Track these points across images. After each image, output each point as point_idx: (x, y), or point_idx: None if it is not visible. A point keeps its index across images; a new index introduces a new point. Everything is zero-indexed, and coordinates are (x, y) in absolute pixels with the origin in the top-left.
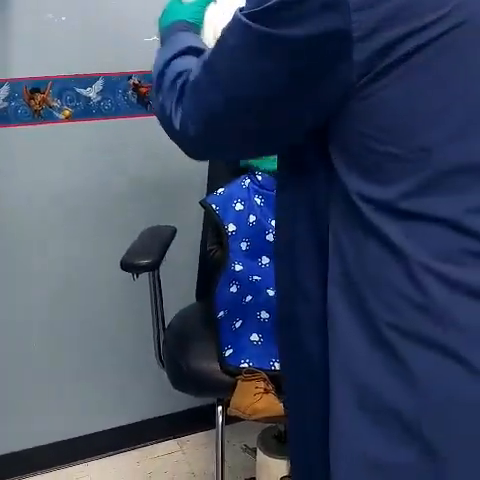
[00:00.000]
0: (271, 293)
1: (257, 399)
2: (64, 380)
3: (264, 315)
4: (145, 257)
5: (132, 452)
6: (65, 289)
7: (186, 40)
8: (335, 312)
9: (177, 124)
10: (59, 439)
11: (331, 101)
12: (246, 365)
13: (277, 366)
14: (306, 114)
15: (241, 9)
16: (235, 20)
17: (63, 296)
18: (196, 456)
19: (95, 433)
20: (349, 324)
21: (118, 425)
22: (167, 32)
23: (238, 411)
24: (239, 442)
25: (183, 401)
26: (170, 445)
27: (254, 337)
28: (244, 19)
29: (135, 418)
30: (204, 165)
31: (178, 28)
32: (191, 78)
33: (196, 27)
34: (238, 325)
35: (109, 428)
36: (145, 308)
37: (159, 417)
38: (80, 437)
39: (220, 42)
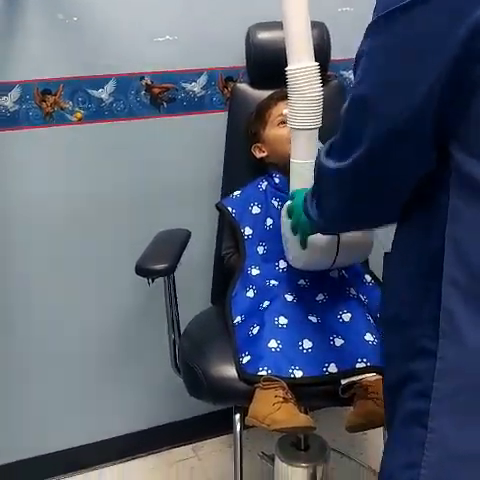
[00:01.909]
0: (289, 298)
1: (276, 409)
2: (79, 386)
3: (282, 321)
4: (161, 261)
5: (147, 458)
6: (78, 294)
7: None
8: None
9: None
10: (73, 445)
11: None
12: (264, 373)
13: (296, 374)
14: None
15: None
16: None
17: (76, 301)
18: (211, 462)
19: (109, 439)
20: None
21: (132, 431)
22: None
23: (256, 421)
24: (256, 448)
25: (198, 406)
26: (185, 451)
27: (272, 344)
28: None
29: (149, 424)
30: (219, 167)
31: None
32: None
33: None
34: (255, 331)
35: (123, 434)
36: (159, 313)
37: (173, 422)
38: (94, 443)
39: None
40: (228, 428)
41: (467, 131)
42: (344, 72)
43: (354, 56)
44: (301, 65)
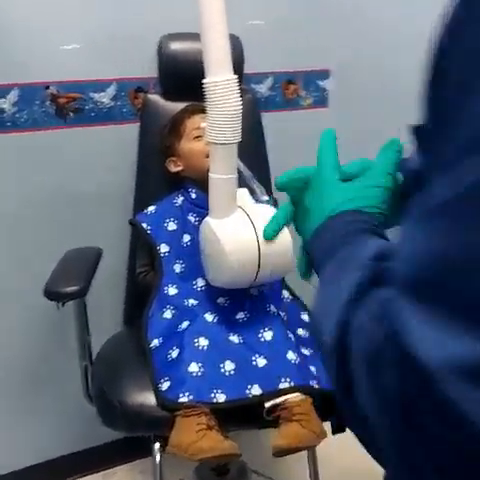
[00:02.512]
0: (209, 318)
1: (200, 437)
2: None
3: (203, 342)
4: (72, 283)
5: None
6: None
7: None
8: None
9: None
10: None
11: None
12: (185, 399)
13: (219, 398)
14: None
15: None
16: None
17: None
18: None
19: (14, 471)
20: None
21: (39, 461)
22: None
23: (179, 450)
24: (174, 475)
25: (108, 433)
26: (95, 479)
27: (193, 367)
28: None
29: (56, 453)
30: (130, 180)
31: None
32: None
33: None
34: (175, 354)
35: (30, 465)
36: (68, 336)
37: (82, 451)
38: None
39: None
40: (141, 453)
41: None
42: (255, 85)
43: (265, 70)
44: (220, 78)
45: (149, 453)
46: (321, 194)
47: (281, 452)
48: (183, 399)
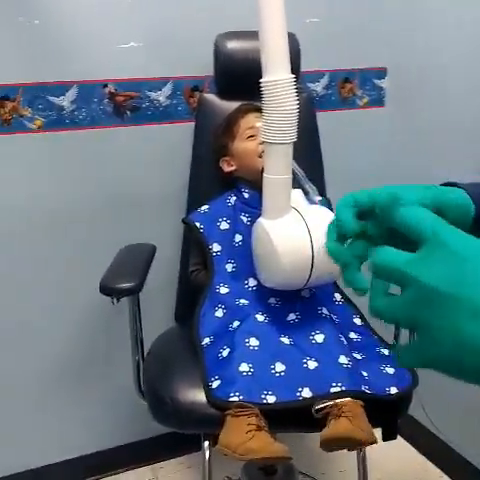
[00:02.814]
0: (260, 318)
1: (249, 438)
2: (32, 409)
3: (253, 342)
4: (128, 280)
5: None
6: (36, 310)
7: None
8: None
9: None
10: (29, 467)
11: None
12: (236, 399)
13: (269, 399)
14: None
15: None
16: None
17: (34, 317)
18: None
19: (63, 461)
20: None
21: (88, 452)
22: None
23: (228, 450)
24: (221, 472)
25: (156, 427)
26: (144, 472)
27: (243, 367)
28: None
29: (106, 445)
30: (184, 179)
31: None
32: None
33: None
34: (225, 353)
35: (79, 456)
36: (121, 331)
37: (131, 443)
38: (46, 466)
39: None
40: (189, 448)
41: None
42: (311, 84)
43: (321, 68)
44: (278, 77)
45: (197, 448)
46: None
47: (329, 443)
48: (233, 398)
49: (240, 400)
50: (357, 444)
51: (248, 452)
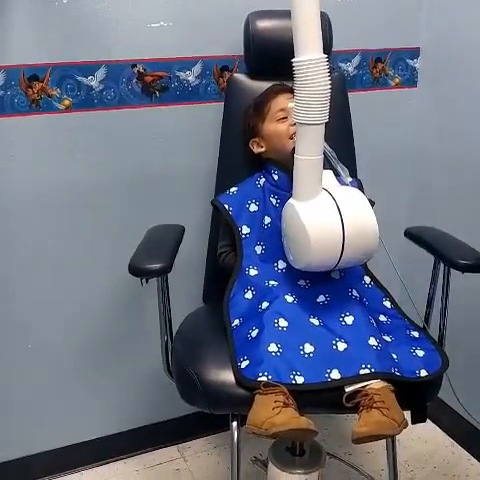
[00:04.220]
0: (289, 299)
1: (276, 413)
2: (60, 385)
3: (282, 323)
4: (156, 261)
5: (131, 460)
6: (63, 289)
7: None
8: None
9: None
10: (55, 447)
11: None
12: (264, 378)
13: (298, 380)
14: None
15: None
16: None
17: (61, 297)
18: (198, 464)
19: (90, 441)
20: None
21: (115, 432)
22: None
23: (255, 427)
24: (249, 452)
25: (182, 406)
26: (170, 452)
27: (272, 347)
28: None
29: (132, 424)
30: (213, 160)
31: None
32: None
33: None
34: (254, 334)
35: (105, 435)
36: (146, 310)
37: (158, 423)
38: (75, 444)
39: None
40: (216, 427)
41: None
42: (342, 64)
43: (352, 47)
44: (310, 57)
45: (224, 428)
46: None
47: (361, 439)
48: (262, 378)
49: (268, 379)
50: (389, 436)
51: (273, 425)
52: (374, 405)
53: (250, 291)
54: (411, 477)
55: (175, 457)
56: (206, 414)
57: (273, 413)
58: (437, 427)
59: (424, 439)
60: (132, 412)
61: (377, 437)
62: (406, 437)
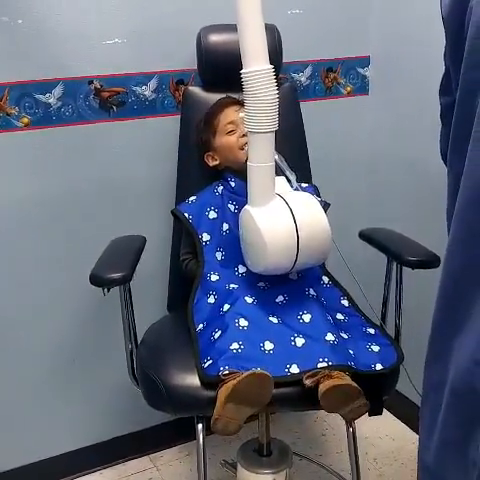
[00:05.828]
0: (249, 300)
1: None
2: (28, 399)
3: (243, 323)
4: (117, 270)
5: (103, 472)
6: (29, 302)
7: None
8: None
9: None
10: (24, 463)
11: None
12: (226, 371)
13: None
14: None
15: None
16: None
17: (26, 310)
18: (171, 472)
19: (62, 454)
20: None
21: (86, 445)
22: None
23: (217, 414)
24: (218, 456)
25: (153, 417)
26: (143, 462)
27: (234, 346)
28: None
29: (104, 437)
30: (172, 171)
31: None
32: None
33: None
34: (217, 336)
35: (77, 448)
36: (112, 321)
37: (129, 434)
38: (46, 459)
39: None
40: (186, 436)
41: None
42: (295, 74)
43: (304, 58)
44: (257, 68)
45: (195, 437)
46: None
47: (329, 394)
48: (224, 372)
49: (230, 368)
50: (356, 392)
51: (232, 384)
52: (333, 376)
53: (212, 296)
54: (380, 474)
55: (148, 467)
56: (178, 423)
57: (231, 384)
58: (404, 424)
59: (391, 437)
60: (103, 424)
61: (344, 389)
62: (374, 435)
